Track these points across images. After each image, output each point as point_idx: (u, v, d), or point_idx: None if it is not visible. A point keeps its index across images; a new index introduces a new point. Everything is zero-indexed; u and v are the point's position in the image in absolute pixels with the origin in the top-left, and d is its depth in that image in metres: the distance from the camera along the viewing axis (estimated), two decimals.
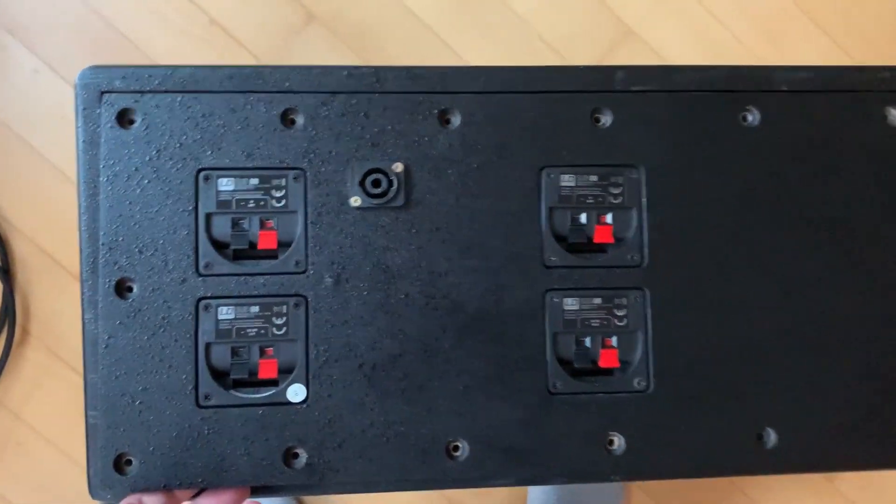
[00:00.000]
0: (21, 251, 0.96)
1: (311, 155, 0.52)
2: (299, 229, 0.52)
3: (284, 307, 0.52)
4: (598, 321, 0.54)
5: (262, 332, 0.52)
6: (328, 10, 0.98)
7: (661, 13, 1.02)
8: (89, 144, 0.52)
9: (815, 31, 1.03)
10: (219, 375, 0.52)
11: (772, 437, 0.54)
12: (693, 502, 1.04)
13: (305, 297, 0.52)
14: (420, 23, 0.99)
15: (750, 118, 0.56)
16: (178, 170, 0.52)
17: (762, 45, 1.02)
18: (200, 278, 0.52)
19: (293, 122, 0.53)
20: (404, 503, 1.00)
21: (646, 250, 0.54)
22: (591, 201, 0.55)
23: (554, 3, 1.00)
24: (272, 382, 0.52)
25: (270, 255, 0.52)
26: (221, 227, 0.52)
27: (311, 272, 0.52)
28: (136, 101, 0.52)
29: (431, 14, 0.98)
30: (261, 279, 0.52)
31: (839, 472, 0.56)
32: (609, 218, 0.55)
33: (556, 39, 1.00)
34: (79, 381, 0.93)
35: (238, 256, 0.52)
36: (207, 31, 0.97)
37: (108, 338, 0.51)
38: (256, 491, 0.53)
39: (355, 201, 0.52)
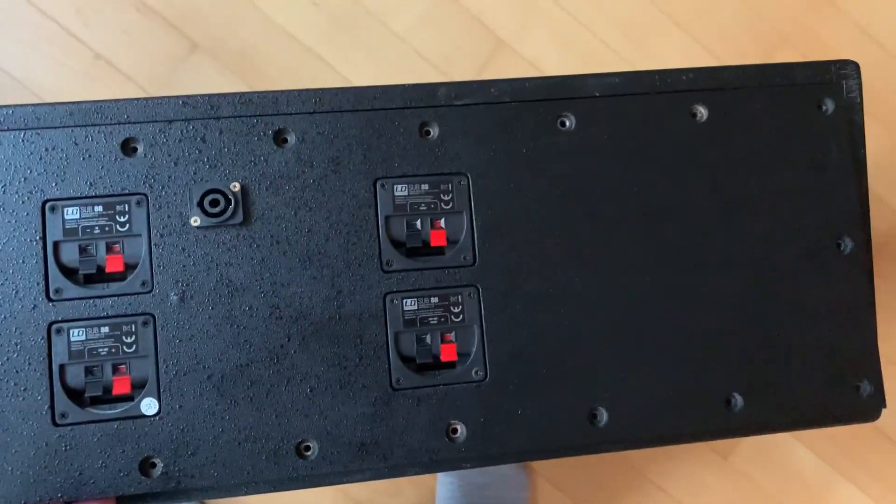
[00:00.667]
0: None
1: (152, 180, 0.56)
2: (144, 251, 0.55)
3: (133, 326, 0.55)
4: (436, 318, 0.58)
5: (114, 350, 0.55)
6: (211, 38, 1.01)
7: (531, 25, 1.07)
8: None
9: (677, 31, 1.09)
10: (74, 394, 0.54)
11: (604, 416, 0.59)
12: (599, 489, 1.09)
13: (153, 315, 0.55)
14: (301, 46, 1.02)
15: (567, 123, 0.60)
16: (24, 202, 0.55)
17: (629, 49, 1.08)
18: (51, 304, 0.54)
19: (134, 150, 0.56)
20: None
21: (476, 250, 0.59)
22: (424, 208, 0.59)
23: (431, 21, 1.05)
24: (127, 398, 0.55)
25: (118, 277, 0.55)
26: (70, 254, 0.55)
27: (157, 291, 0.55)
28: None
29: (311, 37, 1.02)
30: (109, 301, 0.55)
31: (672, 445, 0.61)
32: (442, 222, 0.59)
33: (435, 56, 1.05)
34: None
35: (88, 280, 0.55)
36: (93, 66, 0.99)
37: None
38: (122, 502, 0.55)
39: (195, 221, 0.56)
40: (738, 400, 0.60)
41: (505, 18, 1.06)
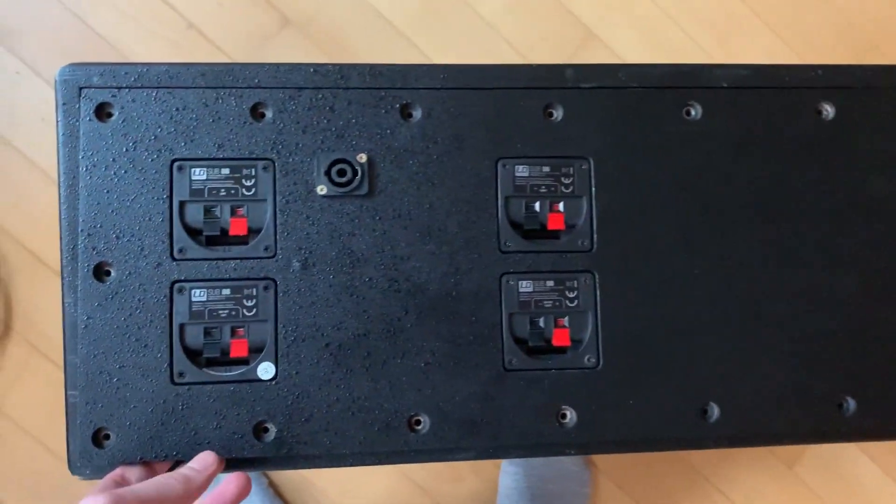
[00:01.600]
0: (4, 248, 0.99)
1: (280, 146, 0.56)
2: (268, 216, 0.55)
3: (254, 290, 0.55)
4: (550, 302, 0.58)
5: (234, 313, 0.55)
6: (302, 15, 1.01)
7: (620, 17, 1.06)
8: (69, 137, 0.55)
9: (765, 30, 1.08)
10: (192, 354, 0.54)
11: (715, 411, 0.58)
12: (657, 488, 1.08)
13: (274, 281, 0.55)
14: (390, 26, 1.02)
15: (692, 112, 0.59)
16: (153, 160, 0.55)
17: (714, 45, 1.07)
18: (175, 263, 0.55)
19: (262, 115, 0.56)
20: (379, 490, 1.03)
21: (595, 236, 0.58)
22: (544, 191, 0.58)
23: (519, 8, 1.04)
24: (243, 361, 0.55)
25: (241, 240, 0.56)
26: (194, 215, 0.55)
27: (280, 257, 0.55)
28: (113, 96, 0.55)
29: (401, 18, 1.02)
30: (232, 263, 0.55)
31: (779, 446, 0.60)
32: (561, 206, 0.58)
33: (521, 43, 1.04)
34: (59, 376, 0.96)
35: (210, 242, 0.55)
36: (184, 36, 1.00)
37: (87, 319, 0.54)
38: (229, 465, 0.55)
39: (321, 190, 0.55)
40: (851, 404, 0.59)
41: (594, 9, 1.05)
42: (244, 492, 0.53)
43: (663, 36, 1.07)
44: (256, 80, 0.56)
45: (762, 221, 0.59)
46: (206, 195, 0.55)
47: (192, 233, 0.55)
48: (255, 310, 0.55)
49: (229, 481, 0.52)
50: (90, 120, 0.54)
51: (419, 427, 0.56)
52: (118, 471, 0.52)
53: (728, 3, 1.08)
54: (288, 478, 1.01)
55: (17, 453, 0.98)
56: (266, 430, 0.55)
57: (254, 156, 0.56)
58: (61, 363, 0.54)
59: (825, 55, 1.08)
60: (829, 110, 0.61)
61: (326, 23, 1.02)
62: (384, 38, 1.02)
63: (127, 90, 0.55)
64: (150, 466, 0.54)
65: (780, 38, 1.09)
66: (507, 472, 1.01)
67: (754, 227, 0.59)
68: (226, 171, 0.55)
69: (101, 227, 0.54)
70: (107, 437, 0.53)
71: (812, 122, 0.60)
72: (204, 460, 0.51)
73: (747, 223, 0.59)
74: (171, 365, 0.54)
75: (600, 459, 1.06)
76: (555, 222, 0.58)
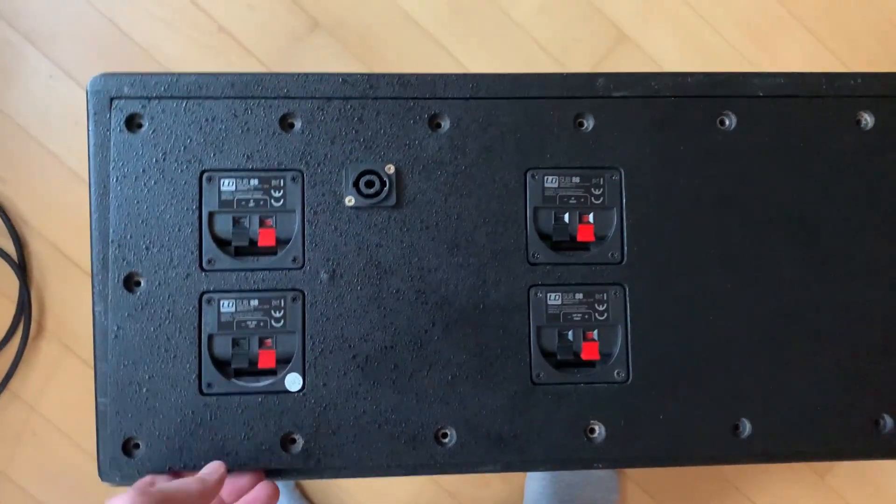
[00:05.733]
0: (37, 249, 1.00)
1: (308, 157, 0.56)
2: (297, 227, 0.55)
3: (282, 301, 0.55)
4: (579, 315, 0.57)
5: (262, 324, 0.55)
6: (332, 17, 1.01)
7: (654, 19, 1.04)
8: (100, 147, 0.55)
9: (804, 34, 1.05)
10: (221, 365, 0.55)
11: (747, 428, 0.57)
12: (687, 497, 1.06)
13: (302, 292, 0.55)
14: (420, 29, 1.02)
15: (727, 122, 0.58)
16: (182, 171, 0.55)
17: (752, 49, 1.05)
18: (204, 273, 0.55)
19: (291, 126, 0.56)
20: (405, 494, 1.03)
21: (625, 248, 0.57)
22: (573, 202, 0.57)
23: (551, 10, 1.03)
24: (271, 372, 0.55)
25: (269, 251, 0.56)
26: (223, 225, 0.55)
27: (308, 268, 0.55)
28: (143, 107, 0.55)
29: (431, 21, 1.01)
30: (260, 274, 0.55)
31: (813, 462, 0.59)
32: (591, 217, 0.58)
33: (553, 46, 1.03)
34: (91, 374, 0.97)
35: (239, 253, 0.56)
36: (216, 39, 1.00)
37: (118, 329, 0.54)
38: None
39: (350, 201, 0.55)
40: (889, 422, 0.57)
41: (627, 11, 1.03)
42: (272, 502, 0.53)
43: (699, 38, 1.05)
44: (285, 91, 0.56)
45: (799, 234, 0.58)
46: (235, 206, 0.55)
47: (221, 244, 0.55)
48: (282, 321, 0.55)
49: (258, 490, 0.53)
50: (121, 131, 0.55)
51: (446, 440, 0.55)
52: (148, 478, 0.52)
53: (766, 5, 1.06)
54: (314, 479, 1.01)
55: (51, 450, 1.00)
56: (293, 441, 0.55)
57: (283, 167, 0.56)
58: (92, 362, 0.55)
59: (869, 61, 1.05)
60: (868, 119, 0.59)
61: (356, 25, 1.01)
62: (413, 40, 1.02)
63: (157, 101, 0.55)
64: (178, 476, 0.54)
65: (821, 44, 1.06)
66: (533, 479, 1.00)
67: (790, 240, 0.58)
68: (255, 181, 0.55)
69: (131, 237, 0.54)
70: (136, 446, 0.54)
71: (851, 132, 0.59)
72: (212, 466, 0.52)
73: (783, 236, 0.58)
74: (199, 375, 0.54)
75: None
76: (584, 234, 0.57)
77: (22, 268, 1.00)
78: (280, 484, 0.98)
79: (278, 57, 1.00)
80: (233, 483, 0.53)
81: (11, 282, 1.00)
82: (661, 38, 1.04)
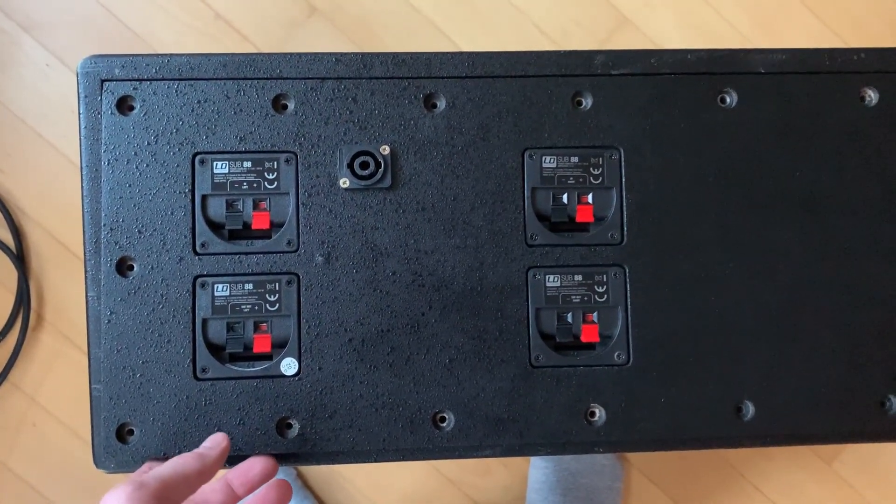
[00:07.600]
0: (35, 240, 1.00)
1: (302, 138, 0.55)
2: (291, 210, 0.55)
3: (277, 284, 0.54)
4: (579, 297, 0.56)
5: (257, 308, 0.54)
6: (329, 3, 1.00)
7: (656, 2, 1.03)
8: (91, 130, 0.54)
9: (807, 15, 1.04)
10: (215, 350, 0.54)
11: (750, 409, 0.56)
12: (691, 484, 1.05)
13: (297, 275, 0.54)
14: (418, 14, 1.01)
15: (728, 99, 0.57)
16: (174, 154, 0.54)
17: (756, 32, 1.03)
18: (197, 257, 0.54)
19: (284, 107, 0.55)
20: (407, 482, 1.02)
21: (625, 229, 0.56)
22: (572, 182, 0.57)
23: None
24: (266, 356, 0.54)
25: (264, 234, 0.55)
26: (216, 209, 0.55)
27: (303, 251, 0.54)
28: (135, 89, 0.54)
29: (429, 4, 1.00)
30: (254, 258, 0.54)
31: (817, 444, 0.58)
32: (590, 198, 0.57)
33: (553, 30, 1.02)
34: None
35: (233, 236, 0.55)
36: (212, 26, 0.99)
37: (111, 314, 0.53)
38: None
39: (344, 183, 0.54)
40: (895, 403, 0.56)
41: None
42: (285, 498, 0.52)
43: (701, 21, 1.04)
44: (278, 71, 0.55)
45: (802, 212, 0.57)
46: (228, 189, 0.55)
47: (215, 227, 0.54)
48: (277, 304, 0.54)
49: (270, 487, 0.52)
50: (112, 114, 0.54)
51: (444, 424, 0.55)
52: (146, 466, 0.52)
53: None
54: (316, 468, 1.01)
55: (51, 441, 1.00)
56: (289, 425, 0.54)
57: (276, 148, 0.55)
58: None
59: (873, 44, 1.04)
60: (872, 95, 0.58)
61: (353, 10, 1.00)
62: (412, 24, 1.01)
63: (148, 82, 0.54)
64: None
65: (826, 26, 1.05)
66: (536, 466, 1.00)
67: (793, 219, 0.57)
68: (248, 164, 0.55)
69: (123, 221, 0.54)
70: (130, 432, 0.53)
71: (855, 108, 0.58)
72: (214, 439, 0.51)
73: (786, 214, 0.57)
74: (193, 360, 0.54)
75: (633, 454, 1.04)
76: (583, 214, 0.56)
77: (20, 258, 0.99)
78: (282, 472, 0.98)
79: (276, 43, 0.99)
80: (244, 473, 0.51)
81: (10, 273, 0.99)
82: (662, 21, 1.03)
